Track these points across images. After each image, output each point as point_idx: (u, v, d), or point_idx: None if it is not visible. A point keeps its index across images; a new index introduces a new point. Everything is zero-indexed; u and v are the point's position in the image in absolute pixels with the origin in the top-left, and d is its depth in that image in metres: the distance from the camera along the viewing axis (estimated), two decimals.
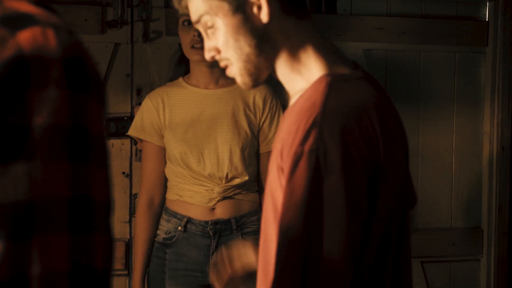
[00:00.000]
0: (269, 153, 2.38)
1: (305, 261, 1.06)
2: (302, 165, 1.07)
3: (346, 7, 2.90)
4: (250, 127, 2.38)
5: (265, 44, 1.20)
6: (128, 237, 2.71)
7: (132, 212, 2.69)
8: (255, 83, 1.23)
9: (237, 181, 2.34)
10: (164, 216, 2.39)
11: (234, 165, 2.32)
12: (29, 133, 0.72)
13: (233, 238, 2.34)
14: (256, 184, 2.42)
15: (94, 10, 2.64)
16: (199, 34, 2.25)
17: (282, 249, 1.08)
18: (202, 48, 2.25)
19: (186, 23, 2.31)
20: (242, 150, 2.33)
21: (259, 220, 2.39)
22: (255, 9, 1.18)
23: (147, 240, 2.38)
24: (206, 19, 1.21)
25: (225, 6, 1.18)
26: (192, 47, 2.29)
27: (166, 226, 2.37)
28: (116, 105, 2.70)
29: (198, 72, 2.37)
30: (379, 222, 1.13)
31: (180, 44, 2.54)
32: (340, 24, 2.86)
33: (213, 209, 2.34)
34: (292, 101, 1.22)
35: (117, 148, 2.71)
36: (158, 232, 2.39)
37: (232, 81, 2.39)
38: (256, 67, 1.21)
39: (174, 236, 2.35)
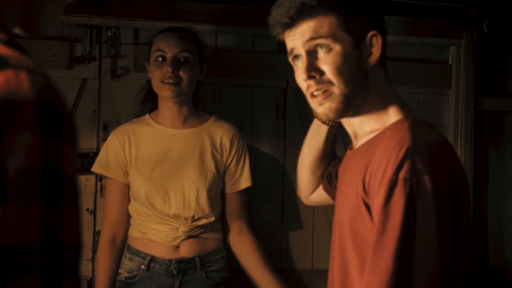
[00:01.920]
0: (236, 193, 2.42)
1: (400, 278, 1.20)
2: (398, 191, 1.23)
3: None
4: (217, 168, 2.37)
5: (364, 84, 1.38)
6: (90, 275, 2.66)
7: (95, 249, 2.64)
8: (342, 115, 1.39)
9: (203, 221, 2.33)
10: (126, 254, 2.35)
11: (201, 207, 2.31)
12: (3, 177, 0.72)
13: (197, 277, 2.32)
14: (220, 222, 2.41)
15: (62, 46, 2.63)
16: (173, 71, 2.26)
17: (378, 268, 1.22)
18: (174, 84, 2.27)
19: (160, 58, 2.31)
20: (209, 191, 2.33)
21: (222, 258, 2.38)
22: (367, 51, 1.38)
23: (109, 278, 2.34)
24: (327, 41, 1.35)
25: (349, 38, 1.36)
26: (163, 82, 2.29)
27: (128, 265, 2.33)
28: (82, 141, 2.68)
29: (166, 109, 2.36)
30: (463, 246, 1.28)
31: (148, 81, 2.54)
32: None
33: (177, 247, 2.31)
34: (363, 139, 1.40)
35: (81, 184, 2.68)
36: (120, 270, 2.34)
37: (199, 121, 2.40)
38: (353, 100, 1.37)
39: (137, 275, 2.31)
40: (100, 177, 2.61)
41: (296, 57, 1.41)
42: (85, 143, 2.68)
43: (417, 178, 1.23)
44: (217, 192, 2.37)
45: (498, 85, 3.19)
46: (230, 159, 2.41)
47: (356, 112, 1.40)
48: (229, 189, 2.42)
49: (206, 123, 2.42)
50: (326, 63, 1.36)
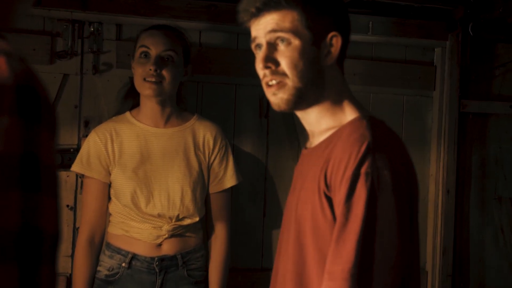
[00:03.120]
0: (220, 193, 2.40)
1: (361, 268, 1.27)
2: (360, 185, 1.30)
3: None
4: (201, 167, 2.36)
5: (318, 81, 1.44)
6: (70, 271, 2.63)
7: (74, 246, 2.61)
8: (294, 107, 1.46)
9: (187, 221, 2.31)
10: (106, 252, 2.33)
11: (185, 206, 2.29)
12: None
13: (178, 275, 2.31)
14: (201, 221, 2.39)
15: (43, 40, 2.60)
16: (156, 69, 2.24)
17: (342, 257, 1.28)
18: (155, 82, 2.24)
19: (143, 55, 2.29)
20: (194, 191, 2.31)
21: (203, 256, 2.37)
22: (325, 50, 1.45)
23: (88, 277, 2.31)
24: (287, 36, 1.42)
25: (309, 35, 1.42)
26: (144, 79, 2.26)
27: (108, 263, 2.30)
28: (62, 137, 2.65)
29: (149, 108, 2.33)
30: (415, 237, 1.39)
31: (130, 78, 2.52)
32: None
33: (159, 245, 2.30)
34: (320, 137, 1.47)
35: (61, 180, 2.65)
36: (99, 268, 2.32)
37: (182, 120, 2.38)
38: (305, 95, 1.44)
39: (117, 272, 2.29)
40: (80, 174, 2.58)
41: (258, 46, 1.48)
42: (66, 139, 2.65)
43: (378, 173, 1.30)
44: (202, 192, 2.35)
45: (482, 87, 3.20)
46: (213, 157, 2.39)
47: (310, 108, 1.47)
48: (213, 188, 2.40)
49: (189, 122, 2.40)
50: (284, 56, 1.42)
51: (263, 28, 1.44)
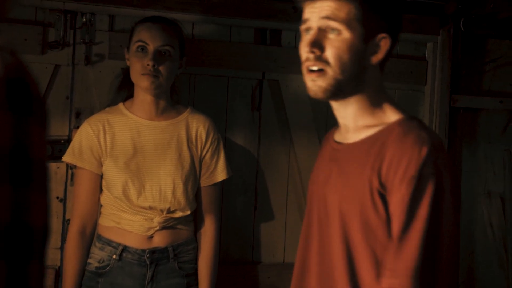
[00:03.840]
0: (211, 187, 2.39)
1: (425, 266, 1.33)
2: (424, 186, 1.35)
3: (291, 40, 2.93)
4: (193, 160, 2.35)
5: (359, 77, 1.46)
6: (58, 264, 2.62)
7: (64, 238, 2.60)
8: (330, 97, 1.49)
9: (179, 214, 2.30)
10: (97, 243, 2.32)
11: (177, 199, 2.28)
12: None
13: (169, 267, 2.30)
14: (193, 213, 2.39)
15: (35, 30, 2.58)
16: (154, 65, 2.23)
17: (412, 253, 1.34)
18: (153, 76, 2.23)
19: (140, 49, 2.27)
20: (185, 184, 2.30)
21: (195, 249, 2.37)
22: (373, 49, 1.47)
23: (78, 269, 2.30)
24: (340, 26, 1.42)
25: (361, 31, 1.44)
26: (142, 73, 2.25)
27: (99, 255, 2.29)
28: (53, 128, 2.64)
29: (143, 100, 2.32)
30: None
31: (123, 69, 2.50)
32: (285, 57, 2.88)
33: (150, 237, 2.29)
34: (359, 134, 1.50)
35: (52, 171, 2.64)
36: (90, 260, 2.31)
37: (175, 113, 2.37)
38: (343, 88, 1.46)
39: (108, 265, 2.28)
40: (71, 165, 2.57)
41: (308, 29, 1.47)
42: (57, 130, 2.63)
43: (440, 174, 1.37)
44: (193, 185, 2.35)
45: (473, 82, 3.21)
46: (205, 151, 2.39)
47: (348, 102, 1.51)
48: (204, 182, 2.39)
49: (182, 115, 2.39)
50: (331, 45, 1.43)
51: (317, 12, 1.44)
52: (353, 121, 1.53)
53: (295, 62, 2.88)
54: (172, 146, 2.32)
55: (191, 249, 2.37)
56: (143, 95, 2.31)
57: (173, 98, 2.43)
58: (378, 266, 1.41)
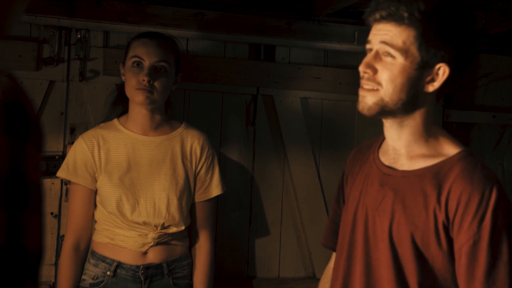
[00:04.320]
0: (206, 202, 2.39)
1: None
2: (499, 228, 1.41)
3: (285, 55, 2.95)
4: (187, 176, 2.35)
5: (410, 103, 1.50)
6: (53, 280, 2.61)
7: (58, 254, 2.60)
8: (376, 115, 1.53)
9: (173, 229, 2.30)
10: (91, 260, 2.31)
11: (171, 215, 2.28)
12: None
13: (164, 283, 2.30)
14: (187, 229, 2.38)
15: (29, 46, 2.59)
16: (149, 80, 2.24)
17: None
18: (148, 91, 2.24)
19: (135, 64, 2.28)
20: (180, 199, 2.30)
21: (189, 265, 2.36)
22: (428, 78, 1.49)
23: (72, 285, 2.29)
24: (395, 53, 1.48)
25: (417, 58, 1.47)
26: (137, 88, 2.26)
27: (93, 271, 2.29)
28: (48, 144, 2.64)
29: (138, 115, 2.33)
30: None
31: (117, 84, 2.51)
32: (279, 72, 2.90)
33: (145, 253, 2.28)
34: (416, 162, 1.54)
35: (46, 187, 2.64)
36: (84, 277, 2.30)
37: (170, 128, 2.38)
38: (390, 110, 1.51)
39: (102, 281, 2.27)
40: (65, 181, 2.56)
41: (369, 49, 1.55)
42: (51, 145, 2.64)
43: (510, 216, 1.44)
44: (188, 201, 2.35)
45: (465, 97, 3.23)
46: (200, 166, 2.39)
47: (402, 126, 1.55)
48: (199, 197, 2.39)
49: (176, 130, 2.39)
50: (384, 68, 1.50)
51: (378, 35, 1.51)
52: (407, 146, 1.57)
53: (289, 77, 2.92)
54: (166, 162, 2.32)
55: (185, 264, 2.36)
56: (138, 110, 2.32)
57: (167, 113, 2.44)
58: None
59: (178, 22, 2.74)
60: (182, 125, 2.42)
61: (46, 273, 2.61)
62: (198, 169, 2.39)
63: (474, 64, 3.26)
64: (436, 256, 1.48)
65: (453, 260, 1.47)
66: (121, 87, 2.42)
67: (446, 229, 1.46)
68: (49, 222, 2.63)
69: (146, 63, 2.27)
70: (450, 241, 1.47)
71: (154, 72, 2.27)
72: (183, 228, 2.32)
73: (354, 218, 1.63)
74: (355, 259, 1.61)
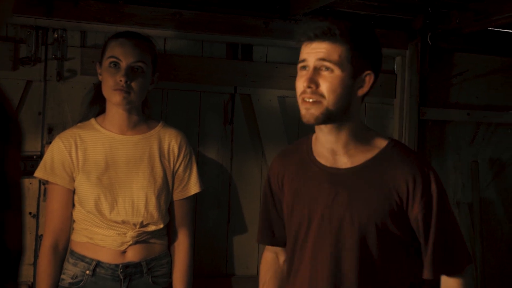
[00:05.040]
0: (184, 200, 2.40)
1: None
2: (445, 197, 1.79)
3: (262, 54, 2.97)
4: (165, 174, 2.36)
5: (347, 108, 1.72)
6: (32, 280, 2.60)
7: (37, 254, 2.59)
8: (320, 123, 1.74)
9: (152, 227, 2.31)
10: (70, 259, 2.31)
11: (149, 213, 2.29)
12: None
13: (143, 282, 2.30)
14: (166, 227, 2.39)
15: (6, 46, 2.58)
16: (126, 81, 2.24)
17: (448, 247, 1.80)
18: (125, 91, 2.25)
19: (112, 65, 2.28)
20: (158, 198, 2.31)
21: (168, 263, 2.37)
22: (360, 84, 1.73)
23: (51, 285, 2.28)
24: (333, 67, 1.69)
25: (350, 69, 1.70)
26: (114, 88, 2.26)
27: (72, 270, 2.29)
28: (25, 143, 2.63)
29: (116, 114, 2.33)
30: None
31: (94, 84, 2.51)
32: (256, 71, 2.92)
33: (124, 252, 2.29)
34: (353, 157, 1.78)
35: (24, 187, 2.62)
36: (63, 276, 2.30)
37: (147, 127, 2.38)
38: (333, 116, 1.72)
39: (81, 280, 2.27)
40: (43, 181, 2.56)
41: (304, 67, 1.74)
42: (29, 145, 2.63)
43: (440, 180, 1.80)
44: (166, 199, 2.36)
45: (440, 95, 3.28)
46: (178, 165, 2.40)
47: (339, 129, 1.76)
48: (177, 196, 2.40)
49: (154, 129, 2.40)
50: (326, 81, 1.70)
51: (314, 53, 1.71)
52: (345, 147, 1.79)
53: (267, 76, 2.94)
54: (144, 160, 2.33)
55: (165, 263, 2.37)
56: (115, 110, 2.32)
57: (144, 113, 2.44)
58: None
59: (156, 21, 2.75)
60: (160, 124, 2.43)
61: (25, 273, 2.60)
62: (176, 167, 2.40)
63: (449, 63, 3.30)
64: (393, 231, 1.76)
65: (406, 231, 1.78)
66: (97, 87, 2.42)
67: (400, 207, 1.75)
68: (28, 222, 2.63)
69: (123, 63, 2.27)
70: (403, 216, 1.77)
71: (131, 73, 2.27)
72: (161, 226, 2.33)
73: (309, 217, 1.82)
74: (319, 251, 1.81)
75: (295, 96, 3.00)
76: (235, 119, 2.91)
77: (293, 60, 3.01)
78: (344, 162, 1.80)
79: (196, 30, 2.81)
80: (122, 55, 2.27)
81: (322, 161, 1.83)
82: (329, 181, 1.80)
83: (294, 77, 2.98)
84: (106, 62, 2.29)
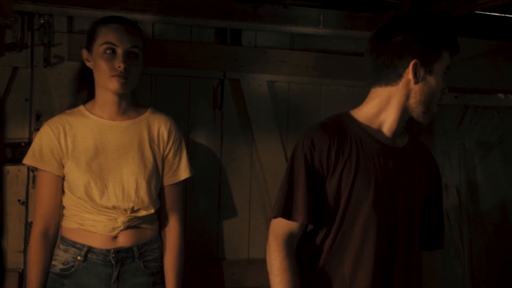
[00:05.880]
0: (174, 185, 2.41)
1: None
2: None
3: (251, 39, 2.96)
4: (155, 159, 2.36)
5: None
6: (22, 267, 2.60)
7: (27, 241, 2.59)
8: None
9: (143, 213, 2.31)
10: (60, 246, 2.31)
11: (140, 198, 2.29)
12: None
13: (135, 267, 2.31)
14: (156, 212, 2.40)
15: None
16: (125, 67, 2.23)
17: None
18: (124, 77, 2.23)
19: (109, 51, 2.26)
20: (148, 183, 2.31)
21: (159, 248, 2.38)
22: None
23: (42, 272, 2.28)
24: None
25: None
26: (112, 75, 2.25)
27: (63, 257, 2.29)
28: (13, 130, 2.61)
29: (108, 100, 2.32)
30: None
31: (80, 69, 2.49)
32: (245, 56, 2.91)
33: (115, 237, 2.29)
34: (402, 139, 2.06)
35: (13, 175, 2.62)
36: (54, 263, 2.30)
37: (136, 113, 2.38)
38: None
39: (72, 266, 2.27)
40: (32, 168, 2.55)
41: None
42: (17, 132, 2.61)
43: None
44: (156, 184, 2.36)
45: None
46: (167, 150, 2.40)
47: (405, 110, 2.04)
48: (168, 181, 2.41)
49: (143, 115, 2.40)
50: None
51: None
52: (398, 128, 2.02)
53: (256, 61, 2.94)
54: (134, 146, 2.33)
55: (156, 247, 2.38)
56: (107, 95, 2.31)
57: (132, 98, 2.44)
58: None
59: (143, 6, 2.73)
60: (149, 110, 2.42)
61: (15, 260, 2.60)
62: (166, 152, 2.40)
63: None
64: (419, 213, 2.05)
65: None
66: (80, 72, 2.40)
67: (429, 191, 2.08)
68: (17, 209, 2.62)
69: (120, 49, 2.26)
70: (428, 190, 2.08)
71: (128, 58, 2.27)
72: (152, 211, 2.33)
73: (376, 194, 1.93)
74: (396, 229, 1.99)
75: (284, 81, 3.04)
76: (225, 104, 2.91)
77: (282, 45, 3.01)
78: (399, 142, 2.04)
79: (184, 15, 2.79)
80: (118, 41, 2.26)
81: (381, 139, 2.00)
82: (392, 158, 1.98)
83: (283, 62, 3.02)
84: (100, 48, 2.27)
